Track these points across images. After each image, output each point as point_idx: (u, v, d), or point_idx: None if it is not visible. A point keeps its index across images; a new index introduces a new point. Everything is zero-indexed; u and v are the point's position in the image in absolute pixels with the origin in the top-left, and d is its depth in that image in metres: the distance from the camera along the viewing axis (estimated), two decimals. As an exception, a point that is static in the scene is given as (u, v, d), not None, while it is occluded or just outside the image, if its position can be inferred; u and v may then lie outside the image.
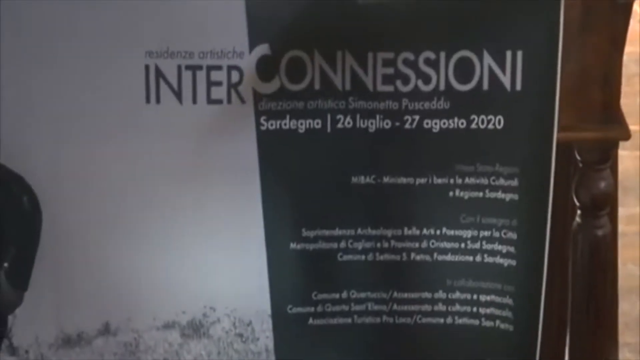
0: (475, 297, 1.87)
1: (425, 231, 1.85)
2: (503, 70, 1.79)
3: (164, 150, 1.81)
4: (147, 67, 1.78)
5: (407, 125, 1.81)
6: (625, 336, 2.10)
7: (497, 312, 1.87)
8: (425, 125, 1.81)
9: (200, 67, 1.79)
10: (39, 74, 1.79)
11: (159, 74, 1.79)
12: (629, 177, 1.91)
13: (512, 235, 1.84)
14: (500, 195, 1.83)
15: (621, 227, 2.10)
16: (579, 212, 1.94)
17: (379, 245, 1.85)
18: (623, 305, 2.09)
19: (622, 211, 2.12)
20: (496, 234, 1.84)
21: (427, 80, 1.79)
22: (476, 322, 1.87)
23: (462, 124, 1.81)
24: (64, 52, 1.78)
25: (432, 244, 1.85)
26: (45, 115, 1.80)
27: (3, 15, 1.76)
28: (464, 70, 1.79)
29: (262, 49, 1.78)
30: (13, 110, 1.79)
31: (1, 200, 1.83)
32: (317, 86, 1.80)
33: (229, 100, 1.80)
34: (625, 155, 2.08)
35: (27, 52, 1.78)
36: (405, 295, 1.87)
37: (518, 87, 1.79)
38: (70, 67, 1.78)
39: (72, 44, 1.78)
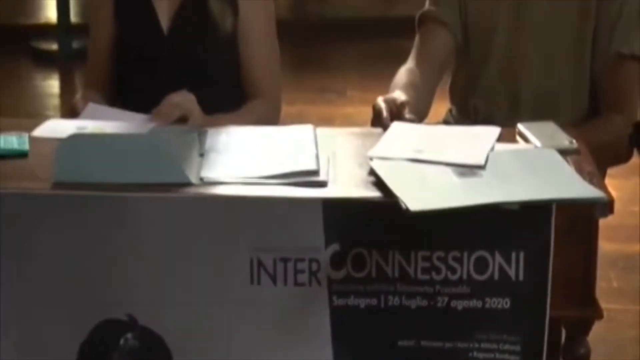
0: None
1: (451, 381, 1.86)
2: (509, 265, 1.81)
3: (261, 317, 1.83)
4: (251, 259, 1.82)
5: (439, 304, 1.82)
6: None
7: None
8: (452, 305, 1.82)
9: (290, 259, 1.82)
10: (171, 268, 1.82)
11: (260, 264, 1.82)
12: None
13: None
14: (506, 357, 1.83)
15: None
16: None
17: None
18: None
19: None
20: None
21: (453, 271, 1.82)
22: None
23: (479, 304, 1.82)
24: (191, 250, 1.82)
25: None
26: (175, 297, 1.83)
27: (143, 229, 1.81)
28: (481, 265, 1.81)
29: (334, 247, 1.81)
30: (153, 293, 1.83)
31: (145, 354, 1.85)
32: (374, 274, 1.82)
33: (310, 283, 1.82)
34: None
35: (160, 252, 1.82)
36: None
37: (521, 278, 1.81)
38: (199, 262, 1.82)
39: (201, 245, 1.82)
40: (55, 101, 4.63)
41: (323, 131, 2.04)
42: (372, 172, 1.86)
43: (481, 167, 1.87)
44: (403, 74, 2.34)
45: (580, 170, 1.87)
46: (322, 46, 5.10)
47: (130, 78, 2.37)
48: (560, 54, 2.36)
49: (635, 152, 2.31)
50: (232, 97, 2.35)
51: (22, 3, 5.54)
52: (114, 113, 2.23)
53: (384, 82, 2.37)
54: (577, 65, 2.36)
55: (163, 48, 2.34)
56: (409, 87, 2.25)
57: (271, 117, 2.33)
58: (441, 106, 2.54)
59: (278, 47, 2.41)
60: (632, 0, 2.33)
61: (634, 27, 2.32)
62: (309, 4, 5.64)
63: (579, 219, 1.81)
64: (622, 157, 2.34)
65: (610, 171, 2.39)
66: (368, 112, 2.09)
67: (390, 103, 2.06)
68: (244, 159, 1.94)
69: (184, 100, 2.19)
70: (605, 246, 1.93)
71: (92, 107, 2.24)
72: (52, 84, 4.86)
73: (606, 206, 1.77)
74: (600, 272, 1.86)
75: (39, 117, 4.05)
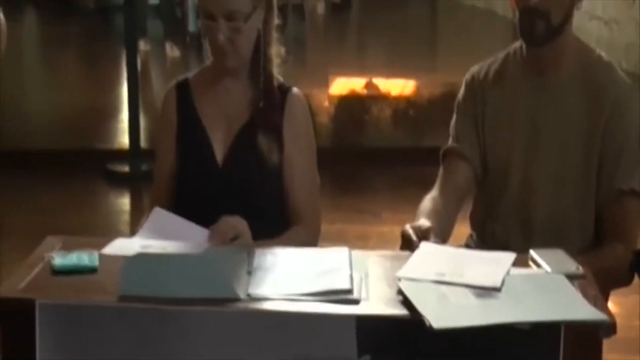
0: None
1: None
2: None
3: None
4: None
5: None
6: None
7: None
8: None
9: None
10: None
11: None
12: None
13: None
14: None
15: None
16: None
17: None
18: None
19: None
20: None
21: None
22: None
23: None
24: (238, 357, 1.81)
25: None
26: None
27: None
28: None
29: (366, 358, 1.80)
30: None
31: None
32: None
33: None
34: None
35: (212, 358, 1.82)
36: None
37: None
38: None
39: (247, 352, 1.82)
40: (126, 217, 4.67)
41: (357, 253, 2.05)
42: (400, 292, 1.86)
43: (497, 290, 1.86)
44: (428, 201, 2.35)
45: (585, 294, 1.86)
46: (359, 172, 5.12)
47: (189, 202, 2.37)
48: (569, 187, 2.35)
49: (635, 276, 2.28)
50: (277, 223, 2.35)
51: (99, 131, 5.64)
52: (176, 221, 2.24)
53: (414, 205, 2.38)
54: (583, 197, 2.34)
55: (217, 178, 2.35)
56: (432, 214, 2.26)
57: (310, 242, 2.32)
58: (463, 229, 2.54)
59: (318, 178, 2.42)
60: (632, 138, 2.32)
61: (634, 163, 2.31)
62: (347, 134, 5.69)
63: (585, 338, 1.78)
64: (623, 282, 2.31)
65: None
66: (400, 232, 2.09)
67: (417, 230, 2.08)
68: (287, 277, 1.94)
69: (237, 223, 2.20)
70: (608, 357, 1.89)
71: (157, 211, 2.26)
72: (124, 202, 4.91)
73: (609, 327, 1.76)
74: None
75: (112, 232, 4.13)
